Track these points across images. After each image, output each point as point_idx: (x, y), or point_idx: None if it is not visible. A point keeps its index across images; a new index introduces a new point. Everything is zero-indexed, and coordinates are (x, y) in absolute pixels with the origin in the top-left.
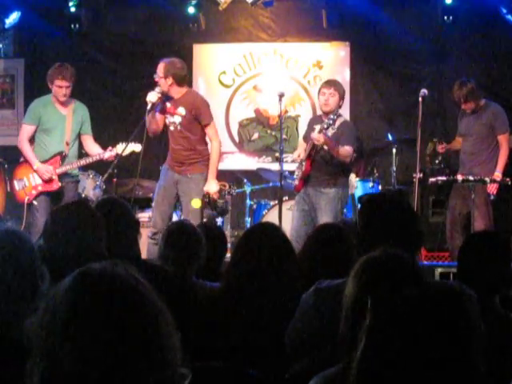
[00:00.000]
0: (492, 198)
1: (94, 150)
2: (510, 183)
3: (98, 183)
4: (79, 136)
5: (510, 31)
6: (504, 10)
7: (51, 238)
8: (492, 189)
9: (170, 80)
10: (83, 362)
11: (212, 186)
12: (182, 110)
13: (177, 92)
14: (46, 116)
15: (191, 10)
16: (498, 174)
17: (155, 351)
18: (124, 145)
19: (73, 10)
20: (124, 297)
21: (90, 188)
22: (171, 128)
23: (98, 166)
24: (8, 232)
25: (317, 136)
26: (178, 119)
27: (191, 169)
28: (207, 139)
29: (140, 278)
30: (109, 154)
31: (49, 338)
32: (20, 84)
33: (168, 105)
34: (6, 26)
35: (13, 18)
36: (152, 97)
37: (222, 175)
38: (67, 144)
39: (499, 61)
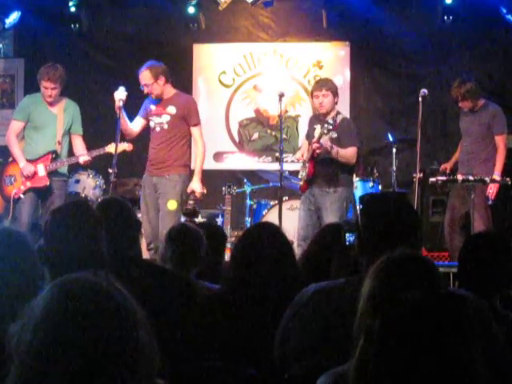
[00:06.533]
0: (490, 202)
1: (78, 151)
2: (509, 183)
3: (98, 183)
4: (69, 135)
5: (510, 31)
6: (504, 10)
7: (51, 238)
8: (491, 194)
9: (161, 80)
10: (55, 371)
11: (196, 185)
12: (171, 109)
13: (168, 92)
14: (36, 113)
15: (191, 9)
16: (496, 177)
17: (130, 361)
18: (113, 144)
19: (73, 9)
20: (98, 307)
21: (90, 188)
22: (157, 129)
23: (98, 166)
24: (8, 232)
25: (316, 145)
26: (166, 118)
27: (169, 169)
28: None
29: (120, 288)
30: (86, 157)
31: (21, 345)
32: (20, 84)
33: (153, 108)
34: (6, 26)
35: (13, 17)
36: (120, 94)
37: (222, 175)
38: (59, 143)
39: (499, 61)
